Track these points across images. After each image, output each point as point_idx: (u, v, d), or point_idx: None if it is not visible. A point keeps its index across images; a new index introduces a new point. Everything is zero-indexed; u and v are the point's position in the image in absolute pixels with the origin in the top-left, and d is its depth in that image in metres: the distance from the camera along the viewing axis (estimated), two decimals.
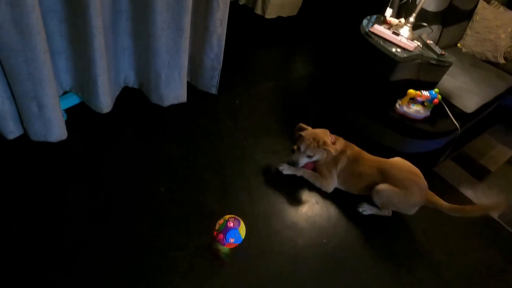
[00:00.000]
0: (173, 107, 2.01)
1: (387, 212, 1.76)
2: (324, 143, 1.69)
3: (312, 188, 1.84)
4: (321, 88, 2.58)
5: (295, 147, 1.80)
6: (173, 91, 1.89)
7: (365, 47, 1.97)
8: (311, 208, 1.75)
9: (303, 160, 1.76)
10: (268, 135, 2.08)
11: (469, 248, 1.75)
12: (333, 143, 1.76)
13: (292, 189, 1.81)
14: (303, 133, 1.75)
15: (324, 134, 1.76)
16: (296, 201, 1.76)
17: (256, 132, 2.08)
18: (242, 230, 1.43)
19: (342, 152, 1.78)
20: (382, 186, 1.68)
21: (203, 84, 2.13)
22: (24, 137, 1.58)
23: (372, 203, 1.76)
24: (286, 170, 1.83)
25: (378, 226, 1.73)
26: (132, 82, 1.95)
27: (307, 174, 1.82)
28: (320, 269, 1.51)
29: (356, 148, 1.81)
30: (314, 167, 1.84)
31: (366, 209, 1.76)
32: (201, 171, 1.79)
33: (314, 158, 1.77)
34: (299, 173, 1.83)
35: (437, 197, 1.67)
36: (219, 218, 1.46)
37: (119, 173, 1.68)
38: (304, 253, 1.55)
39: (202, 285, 1.37)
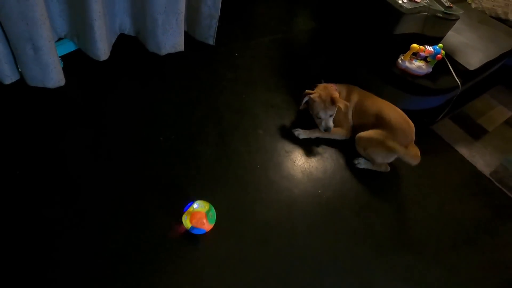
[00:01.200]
0: (170, 56, 1.97)
1: (383, 168, 1.80)
2: (336, 99, 1.72)
3: (309, 142, 1.86)
4: (323, 42, 2.51)
5: (312, 111, 1.83)
6: (170, 38, 1.84)
7: None
8: (308, 161, 1.78)
9: (331, 122, 1.79)
10: (267, 89, 2.06)
11: (458, 201, 1.81)
12: (339, 94, 1.80)
13: (289, 143, 1.83)
14: (313, 98, 1.76)
15: (331, 91, 1.77)
16: (293, 154, 1.79)
17: (256, 86, 2.06)
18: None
19: (349, 95, 1.85)
20: (361, 133, 1.78)
21: (201, 34, 2.07)
22: (22, 83, 1.57)
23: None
24: (302, 135, 1.84)
25: (372, 179, 1.78)
26: (128, 29, 1.90)
27: (322, 134, 1.85)
28: (314, 216, 1.58)
29: (360, 90, 1.90)
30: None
31: (361, 163, 1.80)
32: (199, 122, 1.80)
33: (333, 116, 1.80)
34: (314, 135, 1.85)
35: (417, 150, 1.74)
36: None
37: (118, 122, 1.69)
38: (300, 202, 1.61)
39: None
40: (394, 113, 1.77)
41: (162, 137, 1.68)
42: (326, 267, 1.44)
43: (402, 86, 1.92)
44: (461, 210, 1.78)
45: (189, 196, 1.51)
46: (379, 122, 1.76)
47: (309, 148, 1.83)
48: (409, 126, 1.75)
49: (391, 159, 1.77)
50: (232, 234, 1.45)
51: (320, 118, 1.78)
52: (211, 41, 2.09)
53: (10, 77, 1.48)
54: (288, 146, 1.82)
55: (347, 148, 1.87)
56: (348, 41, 2.22)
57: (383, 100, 1.85)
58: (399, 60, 1.92)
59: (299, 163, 1.76)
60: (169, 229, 1.40)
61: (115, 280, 1.25)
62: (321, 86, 1.83)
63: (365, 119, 1.81)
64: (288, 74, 2.17)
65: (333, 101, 1.73)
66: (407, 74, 1.90)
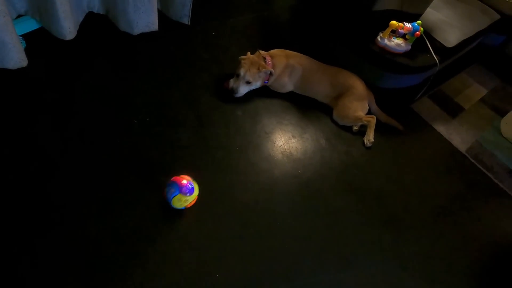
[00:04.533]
0: (144, 36, 1.88)
1: (367, 121, 1.87)
2: (262, 67, 1.75)
3: (289, 123, 1.83)
4: (303, 20, 2.45)
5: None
6: (142, 17, 1.75)
7: None
8: (287, 142, 1.76)
9: (244, 88, 1.78)
10: None
11: (435, 178, 1.84)
12: (271, 65, 1.82)
13: (269, 124, 1.80)
14: (241, 59, 1.78)
15: (260, 59, 1.79)
16: (273, 135, 1.76)
17: (233, 66, 1.99)
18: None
19: (290, 65, 1.87)
20: (334, 114, 1.88)
21: (175, 13, 1.98)
22: None
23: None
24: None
25: (352, 159, 1.78)
26: (97, 6, 1.79)
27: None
28: (295, 197, 1.57)
29: (306, 57, 1.94)
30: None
31: (368, 141, 1.85)
32: (175, 104, 1.73)
33: (253, 86, 1.81)
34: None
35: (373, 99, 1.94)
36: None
37: (88, 105, 1.61)
38: (280, 183, 1.59)
39: (180, 211, 1.39)
40: (344, 75, 1.92)
41: (136, 120, 1.61)
42: (306, 246, 1.44)
43: (381, 64, 1.90)
44: (438, 186, 1.81)
45: (164, 182, 1.46)
46: (337, 86, 1.89)
47: (289, 128, 1.81)
48: (358, 78, 1.93)
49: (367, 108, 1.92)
50: (211, 217, 1.42)
51: (237, 76, 1.77)
52: (186, 21, 2.00)
53: None
54: (268, 127, 1.78)
55: (328, 129, 1.86)
56: (328, 18, 2.17)
57: (329, 66, 1.95)
58: (378, 38, 1.89)
59: (279, 144, 1.74)
60: (144, 213, 1.36)
61: (94, 268, 1.21)
62: (257, 53, 1.84)
63: (322, 86, 1.90)
64: None
65: (260, 69, 1.75)
66: (386, 52, 1.89)
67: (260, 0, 2.50)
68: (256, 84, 1.81)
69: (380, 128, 1.92)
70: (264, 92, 1.91)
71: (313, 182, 1.63)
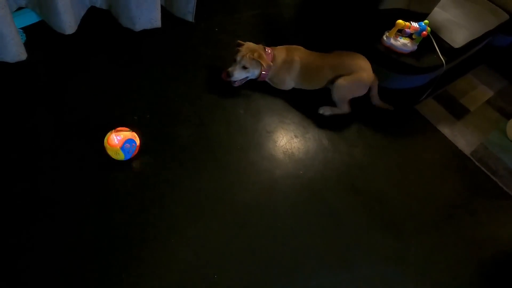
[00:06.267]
0: (146, 33, 1.86)
1: (345, 109, 1.84)
2: (260, 55, 1.70)
3: (292, 122, 1.80)
4: (308, 17, 2.42)
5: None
6: (145, 13, 1.72)
7: None
8: (290, 142, 1.73)
9: (240, 73, 1.73)
10: None
11: (439, 181, 1.81)
12: (271, 56, 1.78)
13: (271, 123, 1.77)
14: (240, 47, 1.74)
15: (259, 48, 1.74)
16: (275, 134, 1.74)
17: None
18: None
19: (290, 58, 1.81)
20: (340, 81, 1.79)
21: (179, 9, 1.95)
22: None
23: (329, 104, 1.86)
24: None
25: (354, 160, 1.75)
26: (99, 1, 1.77)
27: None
28: (295, 198, 1.54)
29: (304, 50, 1.87)
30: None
31: (326, 110, 1.84)
32: (177, 101, 1.71)
33: (250, 73, 1.76)
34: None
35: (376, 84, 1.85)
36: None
37: (88, 100, 1.59)
38: (281, 184, 1.57)
39: (181, 211, 1.38)
40: (347, 58, 1.84)
41: (136, 116, 1.59)
42: (307, 249, 1.41)
43: (386, 64, 1.87)
44: (441, 189, 1.78)
45: (165, 177, 1.45)
46: (339, 70, 1.81)
47: (291, 128, 1.78)
48: (364, 58, 1.85)
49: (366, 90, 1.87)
50: (211, 216, 1.40)
51: (235, 61, 1.72)
52: (190, 18, 1.97)
53: None
54: (269, 126, 1.76)
55: (331, 129, 1.83)
56: (333, 16, 2.14)
57: (327, 54, 1.87)
58: (384, 37, 1.86)
59: (281, 143, 1.71)
60: (142, 211, 1.34)
61: (88, 269, 1.19)
62: (256, 44, 1.78)
63: (322, 74, 1.83)
64: None
65: (256, 57, 1.70)
66: (391, 52, 1.85)
67: None
68: (254, 73, 1.77)
69: (383, 129, 1.90)
70: (267, 90, 1.88)
71: (314, 183, 1.61)
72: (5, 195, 1.27)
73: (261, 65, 1.72)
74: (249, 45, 1.74)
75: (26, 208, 1.26)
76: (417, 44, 1.88)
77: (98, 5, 1.81)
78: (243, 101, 1.81)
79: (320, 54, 1.88)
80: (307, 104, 1.89)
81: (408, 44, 1.85)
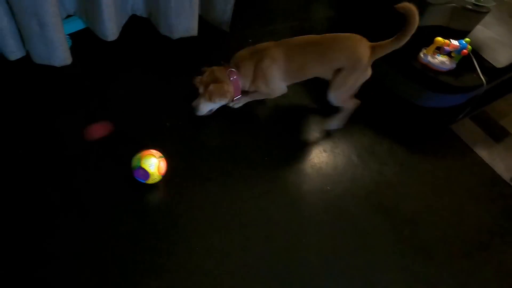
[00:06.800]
0: (183, 41, 1.91)
1: (351, 106, 1.70)
2: (210, 94, 1.51)
3: (321, 136, 1.78)
4: (341, 31, 2.40)
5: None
6: (183, 21, 1.77)
7: None
8: (318, 156, 1.71)
9: (205, 107, 1.57)
10: None
11: (474, 206, 1.72)
12: (236, 78, 1.56)
13: (300, 135, 1.76)
14: (201, 77, 1.55)
15: (223, 75, 1.54)
16: (303, 148, 1.72)
17: None
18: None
19: (260, 66, 1.56)
20: (332, 92, 1.62)
21: (215, 19, 2.00)
22: (28, 60, 1.53)
23: (333, 113, 1.73)
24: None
25: (385, 178, 1.70)
26: (140, 10, 1.84)
27: (249, 98, 1.70)
28: (322, 214, 1.51)
29: (277, 47, 1.58)
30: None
31: (333, 125, 1.76)
32: None
33: (218, 104, 1.59)
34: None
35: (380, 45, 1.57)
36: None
37: (124, 103, 1.65)
38: (307, 198, 1.55)
39: (200, 218, 1.39)
40: (334, 41, 1.60)
41: (168, 123, 1.63)
42: (331, 267, 1.38)
43: (422, 82, 1.82)
44: (477, 215, 1.69)
45: (191, 186, 1.47)
46: (328, 56, 1.58)
47: (320, 142, 1.76)
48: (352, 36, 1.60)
49: (370, 71, 1.64)
50: (235, 227, 1.40)
51: (199, 98, 1.57)
52: (225, 27, 2.01)
53: (15, 53, 1.45)
54: (297, 139, 1.75)
55: (361, 145, 1.79)
56: (368, 31, 2.11)
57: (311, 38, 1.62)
58: (421, 54, 1.81)
59: (309, 157, 1.69)
60: (167, 217, 1.37)
61: (109, 274, 1.22)
62: (217, 68, 1.57)
63: (311, 65, 1.60)
64: None
65: (222, 94, 1.52)
66: (428, 69, 1.80)
67: (298, 9, 2.48)
68: (222, 103, 1.59)
69: (416, 147, 1.84)
70: (297, 102, 1.87)
71: (342, 200, 1.58)
72: (38, 195, 1.33)
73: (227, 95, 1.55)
74: (212, 72, 1.55)
75: (56, 211, 1.31)
76: (456, 62, 1.81)
77: (139, 14, 1.88)
78: (273, 112, 1.81)
79: (306, 44, 1.60)
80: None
81: (446, 62, 1.79)
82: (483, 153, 1.96)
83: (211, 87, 1.50)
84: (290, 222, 1.46)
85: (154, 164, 1.31)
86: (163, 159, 1.37)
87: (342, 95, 1.66)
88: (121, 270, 1.22)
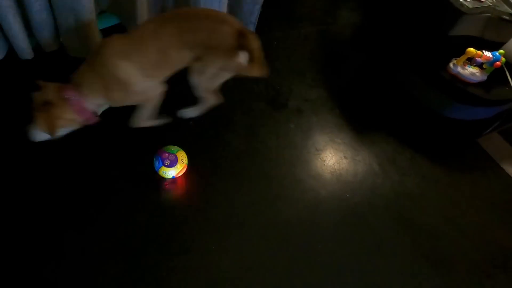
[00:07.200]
0: None
1: (213, 100, 1.50)
2: (53, 123, 1.17)
3: (343, 142, 1.77)
4: (367, 38, 2.37)
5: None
6: None
7: None
8: (338, 162, 1.69)
9: (39, 135, 1.23)
10: (303, 82, 1.98)
11: (499, 224, 1.66)
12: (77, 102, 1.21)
13: (321, 141, 1.75)
14: (37, 94, 1.19)
15: (58, 96, 1.19)
16: (324, 153, 1.71)
17: (291, 78, 1.98)
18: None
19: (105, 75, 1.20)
20: (195, 77, 1.36)
21: (242, 19, 2.01)
22: (63, 52, 1.59)
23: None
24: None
25: (405, 189, 1.67)
26: (170, 7, 1.87)
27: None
28: (339, 221, 1.50)
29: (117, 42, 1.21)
30: None
31: (188, 113, 1.56)
32: (229, 110, 1.75)
33: (62, 131, 1.26)
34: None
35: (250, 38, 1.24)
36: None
37: None
38: (325, 204, 1.54)
39: (218, 221, 1.40)
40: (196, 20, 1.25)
41: (192, 121, 1.65)
42: (346, 276, 1.37)
43: (450, 93, 1.77)
44: (501, 234, 1.63)
45: (211, 184, 1.48)
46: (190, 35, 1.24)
47: (341, 148, 1.75)
48: (218, 19, 1.25)
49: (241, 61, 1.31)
50: (252, 228, 1.41)
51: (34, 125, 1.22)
52: (252, 28, 2.02)
53: (51, 46, 1.50)
54: (319, 144, 1.74)
55: (383, 153, 1.76)
56: (395, 39, 2.08)
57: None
58: (451, 64, 1.76)
59: (329, 163, 1.68)
60: (182, 214, 1.39)
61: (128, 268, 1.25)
62: (51, 86, 1.20)
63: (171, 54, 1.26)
64: (328, 69, 2.07)
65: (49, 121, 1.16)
66: (457, 80, 1.75)
67: (325, 13, 2.46)
68: (66, 130, 1.26)
69: (440, 159, 1.79)
70: (320, 107, 1.86)
71: (360, 208, 1.56)
72: (68, 186, 1.38)
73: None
74: (45, 92, 1.18)
75: (71, 207, 1.34)
76: (487, 74, 1.76)
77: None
78: (295, 116, 1.81)
79: (159, 26, 1.23)
80: (361, 126, 1.84)
81: (477, 74, 1.74)
82: (511, 170, 1.89)
83: (37, 116, 1.16)
84: (307, 226, 1.45)
85: (183, 163, 1.37)
86: (186, 168, 1.41)
87: (203, 84, 1.41)
88: (136, 267, 1.25)
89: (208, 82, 1.40)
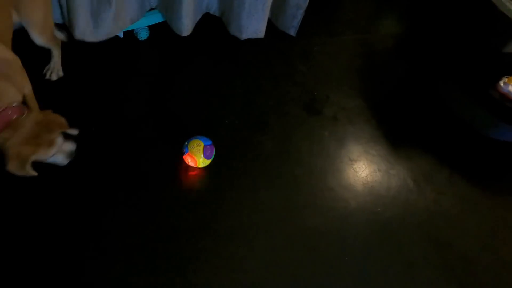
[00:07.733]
0: (249, 42, 1.95)
1: (57, 45, 1.46)
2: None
3: (377, 154, 1.72)
4: (409, 50, 2.30)
5: None
6: (253, 23, 1.81)
7: (477, 4, 1.66)
8: (372, 174, 1.65)
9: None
10: (340, 90, 1.95)
11: None
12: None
13: (355, 151, 1.71)
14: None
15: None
16: (358, 164, 1.67)
17: (329, 85, 1.95)
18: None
19: None
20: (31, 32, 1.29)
21: (283, 23, 2.01)
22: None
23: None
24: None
25: (440, 209, 1.59)
26: (214, 8, 1.90)
27: None
28: (368, 235, 1.46)
29: None
30: None
31: (53, 74, 1.52)
32: (265, 112, 1.76)
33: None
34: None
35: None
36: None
37: (186, 96, 1.73)
38: (355, 216, 1.50)
39: (244, 224, 1.41)
40: None
41: (227, 120, 1.67)
42: None
43: (497, 112, 1.68)
44: None
45: (242, 187, 1.49)
46: None
47: (375, 160, 1.70)
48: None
49: None
50: (279, 233, 1.40)
51: None
52: (293, 32, 2.02)
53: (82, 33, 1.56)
54: (353, 154, 1.70)
55: (418, 170, 1.70)
56: (439, 52, 2.00)
57: None
58: (501, 83, 1.67)
59: (362, 174, 1.64)
60: (210, 214, 1.40)
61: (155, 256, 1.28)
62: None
63: None
64: (367, 79, 2.03)
65: None
66: (507, 100, 1.66)
67: (367, 22, 2.42)
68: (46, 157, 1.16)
69: (480, 180, 1.70)
70: (356, 117, 1.82)
71: (391, 224, 1.51)
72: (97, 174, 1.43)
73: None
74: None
75: (107, 203, 1.38)
76: None
77: (212, 12, 1.95)
78: (330, 124, 1.78)
79: None
80: (398, 139, 1.79)
81: None
82: None
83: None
84: (335, 238, 1.43)
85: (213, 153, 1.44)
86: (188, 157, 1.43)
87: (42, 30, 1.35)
88: (162, 262, 1.28)
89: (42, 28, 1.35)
